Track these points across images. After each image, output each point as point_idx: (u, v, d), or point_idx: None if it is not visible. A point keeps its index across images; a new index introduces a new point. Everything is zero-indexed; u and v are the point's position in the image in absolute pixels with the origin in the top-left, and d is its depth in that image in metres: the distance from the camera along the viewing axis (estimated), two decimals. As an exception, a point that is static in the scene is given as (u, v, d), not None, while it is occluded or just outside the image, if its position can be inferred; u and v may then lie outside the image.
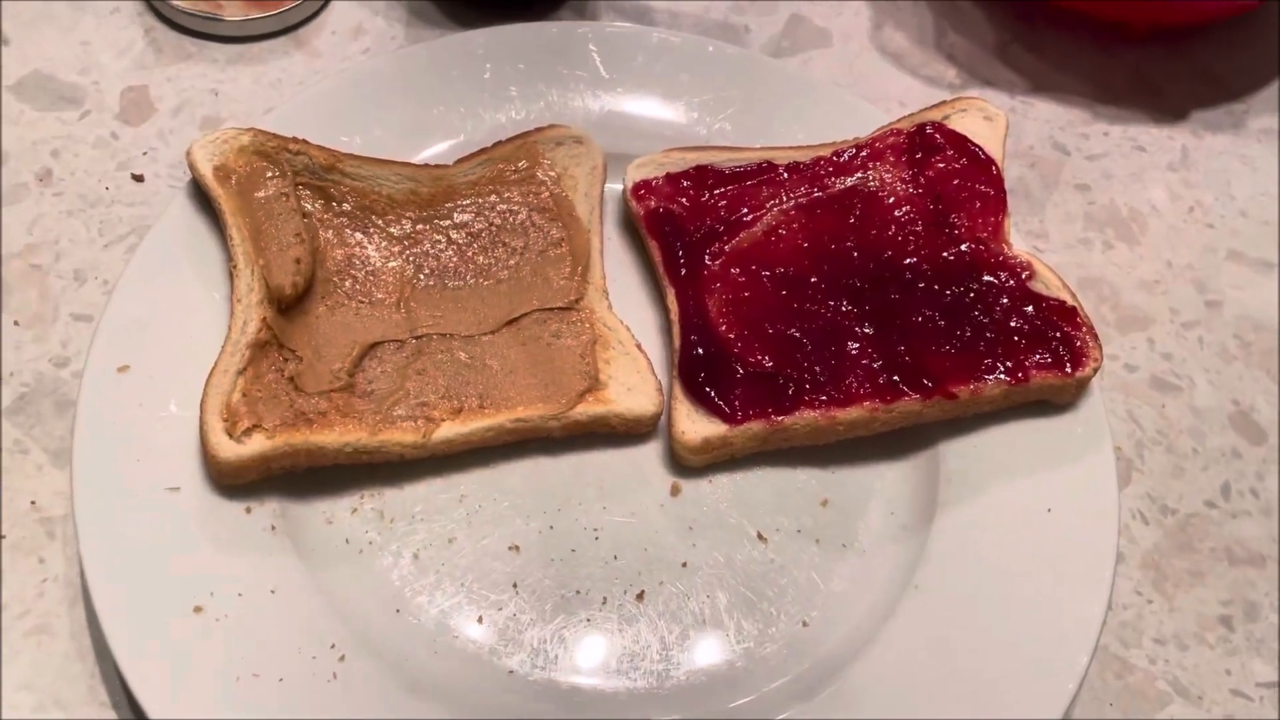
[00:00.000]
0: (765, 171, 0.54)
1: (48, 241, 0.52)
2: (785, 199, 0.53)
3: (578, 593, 0.45)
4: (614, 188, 0.54)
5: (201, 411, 0.44)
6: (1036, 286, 0.50)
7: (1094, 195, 0.60)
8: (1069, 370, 0.48)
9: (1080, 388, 0.49)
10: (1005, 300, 0.49)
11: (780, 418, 0.47)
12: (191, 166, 0.49)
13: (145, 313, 0.46)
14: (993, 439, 0.49)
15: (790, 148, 0.55)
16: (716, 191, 0.53)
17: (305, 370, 0.46)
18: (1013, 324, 0.49)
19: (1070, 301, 0.50)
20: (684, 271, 0.51)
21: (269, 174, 0.50)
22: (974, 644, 0.44)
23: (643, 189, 0.53)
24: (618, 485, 0.48)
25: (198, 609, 0.41)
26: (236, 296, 0.47)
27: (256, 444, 0.43)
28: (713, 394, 0.48)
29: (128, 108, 0.56)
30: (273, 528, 0.44)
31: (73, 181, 0.54)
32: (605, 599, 0.45)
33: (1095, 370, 0.48)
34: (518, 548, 0.46)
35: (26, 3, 0.59)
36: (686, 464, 0.48)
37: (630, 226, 0.54)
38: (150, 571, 0.41)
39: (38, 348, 0.49)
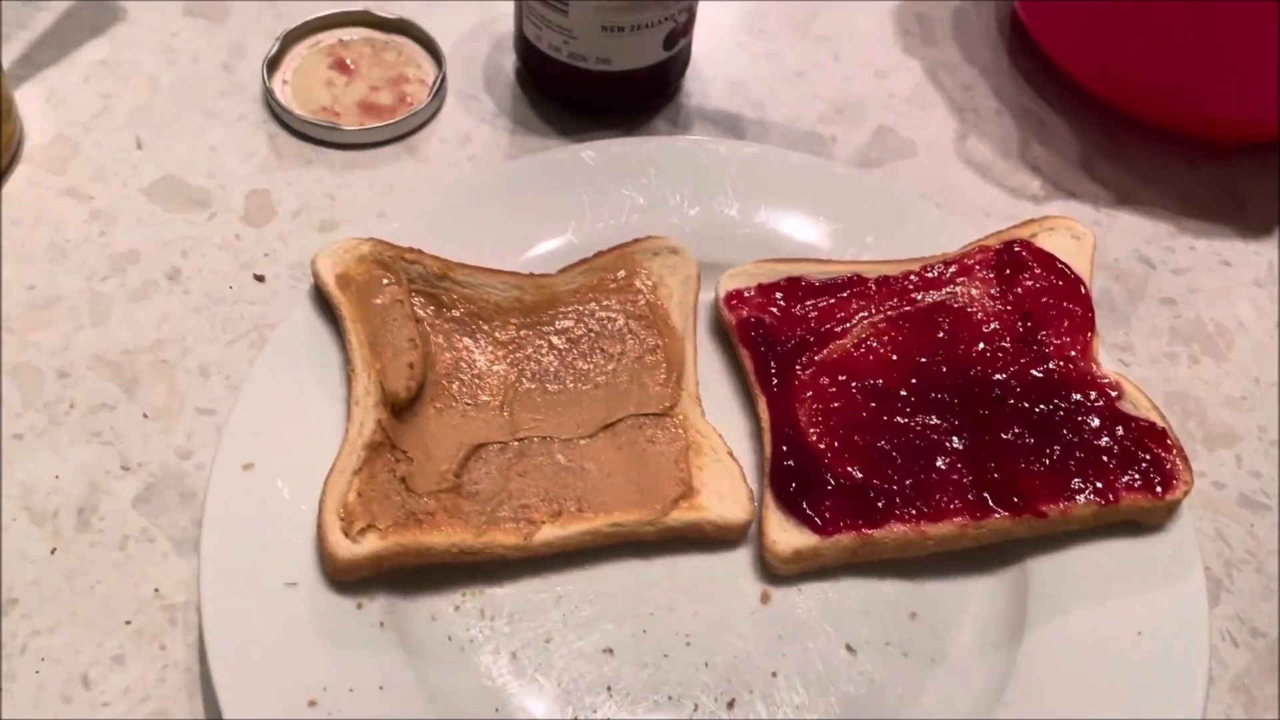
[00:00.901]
0: (855, 284, 0.55)
1: (175, 337, 0.55)
2: (875, 312, 0.55)
3: (670, 699, 0.46)
4: (707, 296, 0.57)
5: (320, 510, 0.46)
6: (1126, 407, 0.51)
7: (1180, 310, 0.61)
8: (1159, 493, 0.49)
9: (1170, 510, 0.49)
10: (1095, 420, 0.50)
11: (871, 531, 0.48)
12: (315, 275, 0.52)
13: (269, 413, 0.49)
14: (1082, 557, 0.49)
15: (879, 261, 0.57)
16: (807, 303, 0.55)
17: (416, 471, 0.48)
18: (1102, 444, 0.50)
19: (1160, 423, 0.50)
20: (775, 381, 0.53)
21: (385, 281, 0.52)
22: (1064, 766, 0.44)
23: (735, 299, 0.55)
24: (709, 591, 0.49)
25: (312, 703, 0.43)
26: (354, 399, 0.49)
27: (371, 543, 0.46)
28: (804, 505, 0.49)
29: (251, 210, 0.60)
30: (381, 624, 0.46)
31: (199, 280, 0.57)
32: (697, 706, 0.46)
33: (1186, 493, 0.49)
34: (612, 650, 0.47)
35: (161, 111, 0.63)
36: (777, 572, 0.49)
37: (722, 335, 0.56)
38: (269, 664, 0.43)
39: (164, 439, 0.52)
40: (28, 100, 0.63)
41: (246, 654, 0.43)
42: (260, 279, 0.58)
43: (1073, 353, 0.52)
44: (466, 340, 0.53)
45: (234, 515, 0.46)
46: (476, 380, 0.52)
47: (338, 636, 0.45)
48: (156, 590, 0.48)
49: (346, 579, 0.46)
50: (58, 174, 0.60)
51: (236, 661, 0.43)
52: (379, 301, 0.52)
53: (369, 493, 0.47)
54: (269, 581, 0.45)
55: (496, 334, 0.54)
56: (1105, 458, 0.49)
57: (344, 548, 0.45)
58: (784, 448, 0.51)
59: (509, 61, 0.67)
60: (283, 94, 0.64)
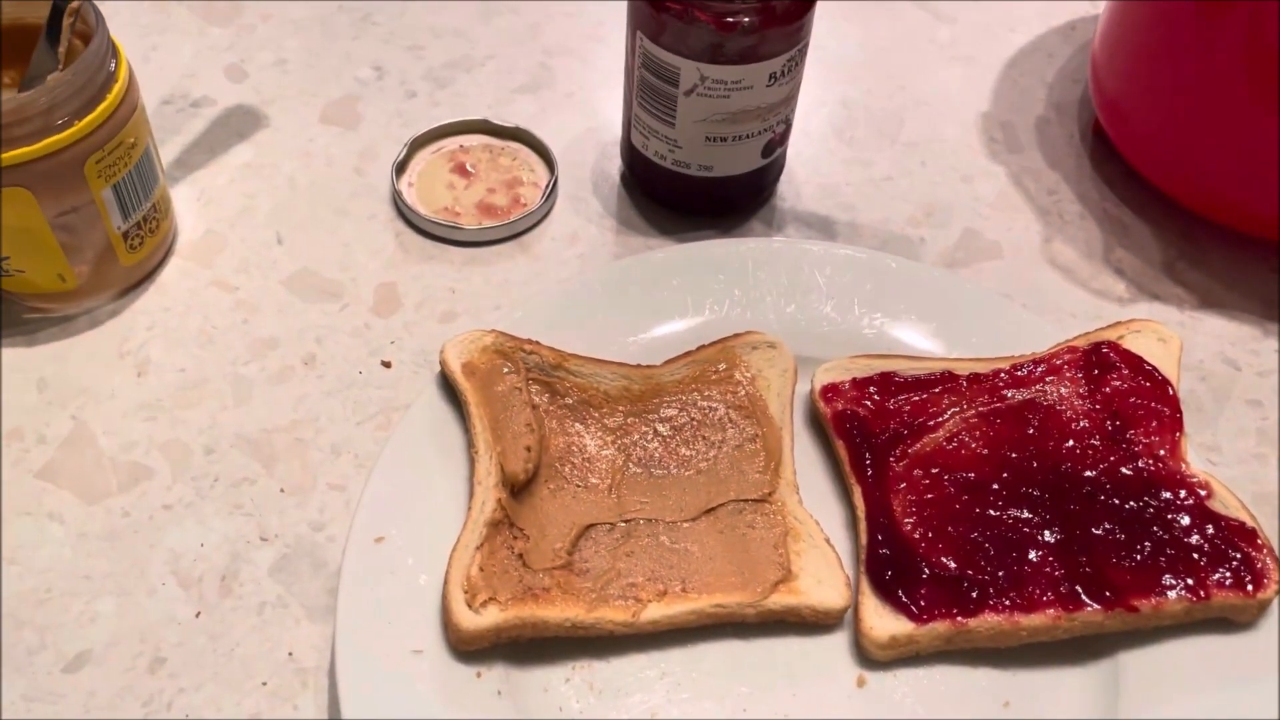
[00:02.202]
0: (946, 380, 0.58)
1: (310, 418, 0.60)
2: (966, 407, 0.57)
3: (770, 776, 0.48)
4: (803, 389, 0.60)
5: (445, 583, 0.50)
6: (1215, 506, 0.52)
7: (1266, 411, 0.62)
8: (1250, 591, 0.50)
9: (1261, 608, 0.50)
10: (1185, 518, 0.52)
11: (965, 620, 0.50)
12: (443, 363, 0.56)
13: (398, 490, 0.53)
14: (1173, 653, 0.50)
15: (970, 359, 0.59)
16: (900, 397, 0.58)
17: (532, 548, 0.52)
18: (1193, 542, 0.51)
19: (1250, 522, 0.52)
20: (870, 471, 0.55)
21: (505, 370, 0.57)
22: None
23: (830, 392, 0.58)
24: (806, 674, 0.51)
25: (436, 766, 0.46)
26: (477, 479, 0.53)
27: (491, 615, 0.49)
28: (900, 593, 0.51)
29: (379, 302, 0.65)
30: (499, 693, 0.49)
31: (332, 365, 0.62)
32: (796, 784, 0.48)
33: (1277, 592, 0.50)
34: (714, 728, 0.50)
35: (299, 209, 0.69)
36: (872, 658, 0.51)
37: (818, 426, 0.59)
38: (397, 728, 0.46)
39: (299, 513, 0.56)
40: (181, 199, 0.69)
41: (376, 715, 0.46)
42: (387, 365, 0.62)
43: (1161, 452, 0.54)
44: (578, 426, 0.57)
45: (366, 585, 0.50)
46: (587, 464, 0.56)
47: (459, 703, 0.48)
48: (290, 654, 0.52)
49: (468, 649, 0.49)
50: (206, 266, 0.66)
51: (368, 723, 0.46)
52: (500, 389, 0.56)
53: (490, 567, 0.50)
54: (397, 649, 0.49)
55: (605, 421, 0.57)
56: (1196, 555, 0.51)
57: (468, 619, 0.48)
58: (879, 536, 0.53)
59: (615, 167, 0.72)
60: (409, 195, 0.69)
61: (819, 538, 0.54)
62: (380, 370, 0.62)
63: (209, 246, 0.67)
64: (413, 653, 0.49)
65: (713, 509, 0.55)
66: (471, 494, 0.53)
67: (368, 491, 0.53)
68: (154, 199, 0.63)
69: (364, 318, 0.64)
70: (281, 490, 0.57)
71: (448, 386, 0.57)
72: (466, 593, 0.49)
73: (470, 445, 0.55)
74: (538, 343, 0.58)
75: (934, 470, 0.55)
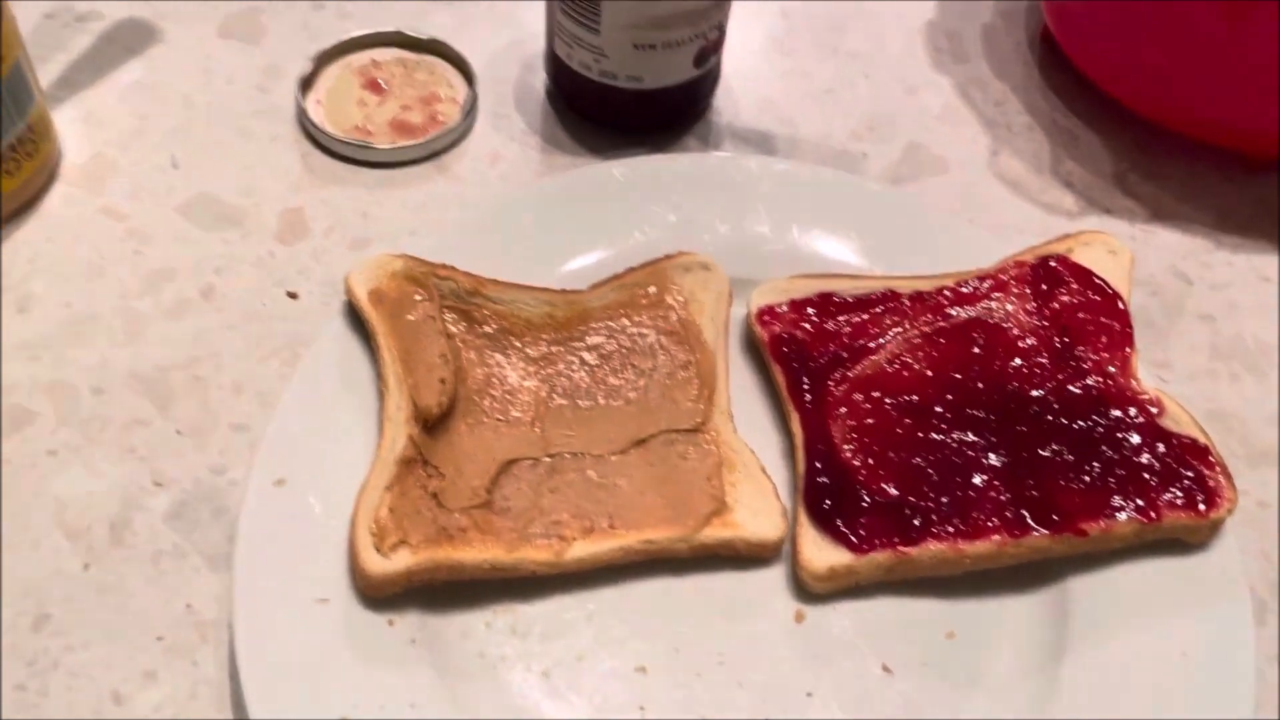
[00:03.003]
0: (888, 299, 0.55)
1: (209, 355, 0.55)
2: (909, 327, 0.54)
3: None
4: (738, 312, 0.56)
5: (352, 526, 0.46)
6: (1167, 423, 0.50)
7: (1219, 326, 0.60)
8: (1202, 510, 0.48)
9: (1214, 528, 0.48)
10: (1135, 437, 0.49)
11: (907, 549, 0.47)
12: (348, 291, 0.52)
13: (302, 429, 0.49)
14: (1123, 577, 0.48)
15: (913, 276, 0.56)
16: (840, 318, 0.55)
17: (448, 487, 0.48)
18: (1143, 461, 0.49)
19: (1202, 440, 0.49)
20: (808, 397, 0.52)
21: (418, 298, 0.53)
22: (1108, 791, 0.43)
23: (767, 314, 0.55)
24: (742, 609, 0.49)
25: (343, 720, 0.43)
26: (386, 415, 0.49)
27: (402, 559, 0.45)
28: (839, 522, 0.48)
29: (284, 228, 0.60)
30: (413, 641, 0.46)
31: (233, 297, 0.58)
32: (731, 726, 0.46)
33: (1229, 511, 0.48)
34: (645, 669, 0.47)
35: (196, 130, 0.64)
36: (811, 590, 0.49)
37: (754, 351, 0.56)
38: (301, 682, 0.43)
39: (198, 457, 0.52)
40: (65, 121, 0.64)
41: (278, 671, 0.43)
42: (293, 296, 0.58)
43: (1111, 369, 0.52)
44: (498, 356, 0.53)
45: (266, 531, 0.46)
46: (508, 396, 0.52)
47: (369, 654, 0.45)
48: (188, 606, 0.48)
49: (378, 595, 0.46)
50: (94, 193, 0.61)
51: (268, 678, 0.43)
52: (411, 318, 0.52)
53: (401, 508, 0.47)
54: (301, 598, 0.45)
55: (528, 350, 0.54)
56: (1146, 475, 0.48)
57: (376, 563, 0.45)
58: (817, 464, 0.50)
59: (539, 80, 0.68)
60: (316, 114, 0.64)
61: (755, 468, 0.51)
62: (286, 302, 0.58)
63: (97, 171, 0.62)
64: (317, 601, 0.45)
65: (643, 441, 0.51)
66: (381, 431, 0.49)
67: (269, 431, 0.49)
68: (29, 119, 0.58)
69: (268, 246, 0.60)
70: (178, 432, 0.53)
71: (356, 317, 0.53)
72: (375, 536, 0.46)
73: (380, 379, 0.51)
74: (452, 267, 0.54)
75: (875, 394, 0.52)
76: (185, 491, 0.51)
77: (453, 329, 0.53)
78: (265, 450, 0.48)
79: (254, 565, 0.45)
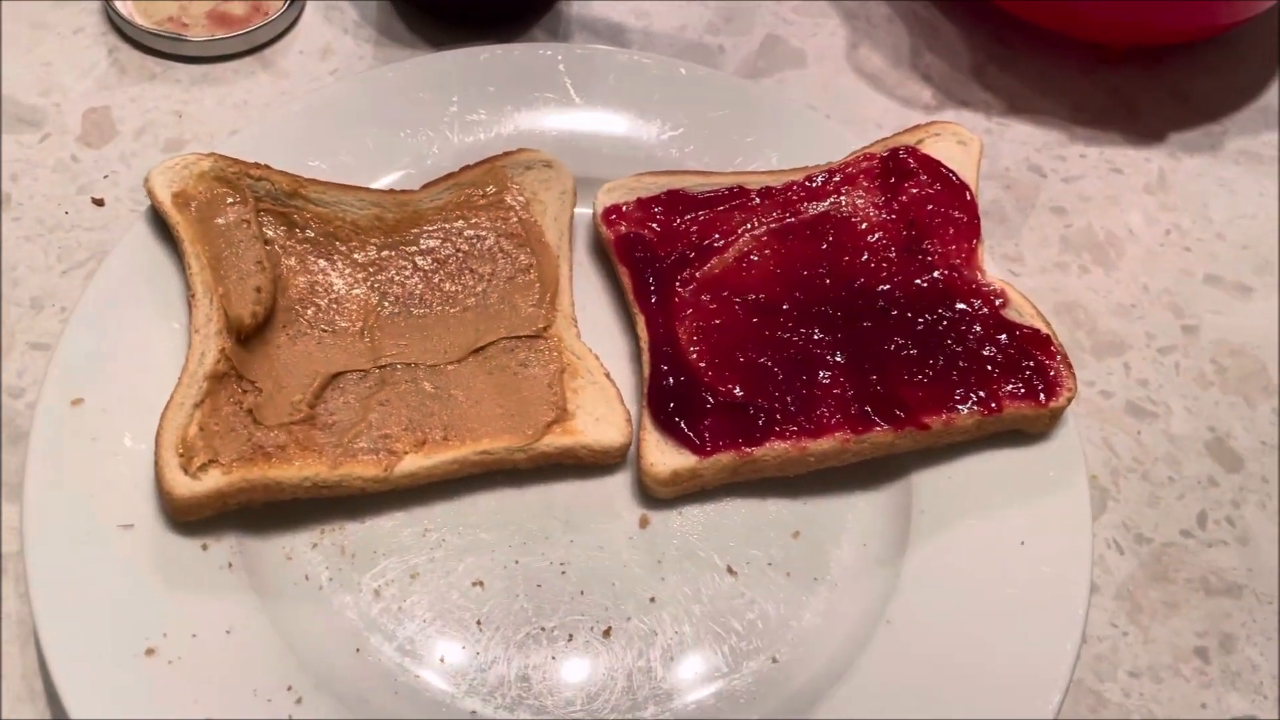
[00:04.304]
0: (737, 196, 0.53)
1: (5, 268, 0.51)
2: (757, 224, 0.52)
3: (543, 629, 0.44)
4: (584, 212, 0.54)
5: (156, 446, 0.43)
6: (1010, 314, 0.49)
7: (1070, 218, 0.60)
8: (1042, 400, 0.47)
9: (1054, 418, 0.48)
10: (978, 329, 0.49)
11: (750, 449, 0.46)
12: (150, 193, 0.48)
13: (101, 344, 0.45)
14: (966, 469, 0.48)
15: (763, 172, 0.54)
16: (688, 216, 0.52)
17: (265, 402, 0.45)
18: (986, 353, 0.48)
19: (1044, 330, 0.49)
20: (654, 298, 0.50)
21: (230, 200, 0.49)
22: (946, 679, 0.43)
23: (613, 214, 0.52)
24: (585, 518, 0.47)
25: (150, 651, 0.40)
26: (194, 327, 0.46)
27: (212, 480, 0.42)
28: (682, 425, 0.47)
29: (89, 130, 0.55)
30: (230, 565, 0.43)
31: (31, 206, 0.53)
32: (571, 636, 0.44)
33: (1069, 401, 0.48)
34: (482, 583, 0.45)
35: (-13, 22, 0.58)
36: (656, 496, 0.47)
37: (600, 252, 0.54)
38: (101, 612, 0.40)
39: (-8, 378, 0.48)
40: None
41: (74, 602, 0.40)
42: (99, 203, 0.53)
43: (957, 261, 0.51)
44: (322, 262, 0.50)
45: (61, 456, 0.43)
46: (334, 305, 0.49)
47: (179, 580, 0.42)
48: (-16, 539, 0.44)
49: (188, 519, 0.43)
50: None
51: (63, 611, 0.40)
52: (222, 222, 0.48)
53: (211, 426, 0.44)
54: (100, 525, 0.42)
55: (355, 255, 0.50)
56: (988, 366, 0.48)
57: (183, 485, 0.42)
58: (663, 367, 0.48)
59: (373, -32, 0.63)
60: (124, 4, 0.59)
61: (599, 373, 0.49)
62: (92, 209, 0.53)
63: None
64: (121, 527, 0.42)
65: (481, 348, 0.49)
66: (189, 344, 0.46)
67: (61, 348, 0.45)
68: None
69: (70, 149, 0.55)
70: (-31, 353, 0.48)
71: (163, 223, 0.49)
72: (182, 456, 0.42)
73: (187, 288, 0.47)
74: (268, 167, 0.50)
75: (723, 293, 0.50)
76: (-22, 417, 0.47)
77: (270, 233, 0.49)
78: (59, 366, 0.44)
79: (46, 491, 0.42)
